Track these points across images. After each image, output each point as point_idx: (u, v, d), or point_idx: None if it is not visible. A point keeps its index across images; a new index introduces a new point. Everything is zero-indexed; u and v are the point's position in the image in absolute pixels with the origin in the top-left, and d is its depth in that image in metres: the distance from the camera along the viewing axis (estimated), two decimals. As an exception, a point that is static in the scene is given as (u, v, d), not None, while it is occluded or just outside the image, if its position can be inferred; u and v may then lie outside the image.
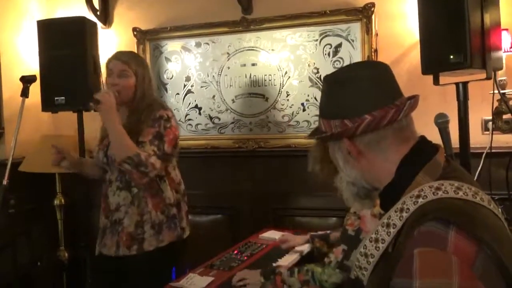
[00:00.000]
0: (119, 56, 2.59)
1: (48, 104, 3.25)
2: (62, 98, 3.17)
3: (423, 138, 1.20)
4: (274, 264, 2.46)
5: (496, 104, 2.58)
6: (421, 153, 1.15)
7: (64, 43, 3.26)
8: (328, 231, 2.59)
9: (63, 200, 3.64)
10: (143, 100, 2.54)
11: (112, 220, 2.53)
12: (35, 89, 2.65)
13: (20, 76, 2.55)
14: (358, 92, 1.16)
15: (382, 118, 1.12)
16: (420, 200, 1.04)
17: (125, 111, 2.54)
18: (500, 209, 1.13)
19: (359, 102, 1.15)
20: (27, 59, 3.99)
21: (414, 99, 1.19)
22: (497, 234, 1.01)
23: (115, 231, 2.52)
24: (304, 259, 2.62)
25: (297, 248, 2.73)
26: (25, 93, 2.45)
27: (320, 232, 2.64)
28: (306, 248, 2.71)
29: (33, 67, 3.80)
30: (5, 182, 2.20)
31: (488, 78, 2.14)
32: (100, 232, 2.60)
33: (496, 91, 2.39)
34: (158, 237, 2.51)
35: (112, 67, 2.54)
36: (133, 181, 2.43)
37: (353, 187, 1.23)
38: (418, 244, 0.97)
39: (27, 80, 2.49)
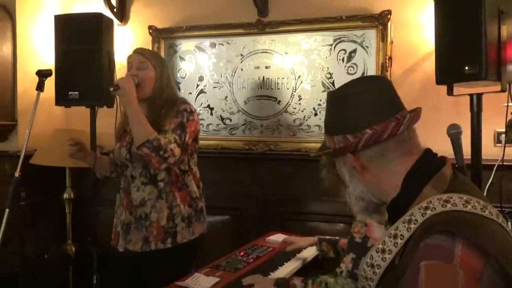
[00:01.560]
0: (139, 51, 2.66)
1: (61, 99, 3.27)
2: (76, 93, 3.19)
3: (428, 151, 1.20)
4: (275, 271, 2.46)
5: (510, 116, 2.58)
6: (427, 165, 1.16)
7: (80, 38, 3.28)
8: (337, 237, 2.58)
9: (72, 194, 3.67)
10: (161, 96, 2.58)
11: (137, 216, 2.55)
12: (49, 83, 2.67)
13: (34, 70, 2.57)
14: (359, 107, 1.18)
15: (382, 131, 1.13)
16: (429, 212, 1.04)
17: (145, 107, 2.57)
18: (509, 223, 1.13)
19: (359, 117, 1.17)
20: (43, 52, 4.03)
21: (415, 111, 1.19)
22: (504, 248, 1.01)
23: (141, 226, 2.54)
24: (307, 266, 2.63)
25: (301, 255, 2.72)
26: (40, 87, 2.47)
27: (328, 237, 2.63)
28: (310, 255, 2.71)
29: (48, 61, 3.84)
30: (17, 174, 2.22)
31: (503, 90, 2.13)
32: (123, 228, 2.59)
33: (510, 104, 2.38)
34: (189, 230, 2.58)
35: (132, 60, 2.60)
36: (152, 166, 2.45)
37: (362, 202, 1.24)
38: (424, 257, 0.97)
39: (43, 74, 2.51)
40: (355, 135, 1.16)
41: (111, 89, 2.43)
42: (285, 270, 2.54)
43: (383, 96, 1.19)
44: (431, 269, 0.95)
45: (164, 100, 2.58)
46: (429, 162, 1.17)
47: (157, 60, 2.65)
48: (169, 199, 2.54)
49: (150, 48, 3.88)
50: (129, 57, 2.63)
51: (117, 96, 2.57)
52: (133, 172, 2.58)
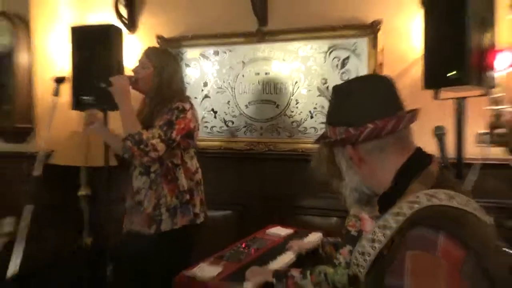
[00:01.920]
0: (146, 50, 2.74)
1: (77, 103, 3.29)
2: (90, 97, 3.21)
3: (419, 149, 1.21)
4: (271, 263, 2.46)
5: (491, 119, 2.59)
6: (417, 163, 1.16)
7: (93, 47, 3.31)
8: (339, 239, 2.57)
9: (88, 191, 3.68)
10: (160, 93, 2.61)
11: (136, 201, 2.63)
12: (64, 89, 2.69)
13: (52, 77, 2.59)
14: (363, 103, 1.17)
15: (383, 127, 1.13)
16: (416, 206, 1.05)
17: (146, 102, 2.63)
18: (490, 217, 1.14)
19: (362, 112, 1.16)
20: (58, 60, 4.04)
21: (414, 112, 1.20)
22: (484, 241, 1.02)
23: (138, 211, 2.62)
24: (301, 258, 2.63)
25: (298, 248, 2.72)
26: (56, 93, 2.49)
27: (330, 239, 2.59)
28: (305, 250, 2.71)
29: (63, 68, 3.85)
30: (37, 173, 2.23)
31: (484, 94, 2.15)
32: (128, 211, 2.69)
33: (491, 107, 2.40)
34: (173, 219, 2.59)
35: (139, 58, 2.70)
36: (135, 158, 2.48)
37: (356, 193, 1.24)
38: (410, 247, 0.98)
39: (59, 80, 2.54)
40: (357, 128, 1.16)
41: (103, 85, 2.51)
42: (283, 260, 2.54)
43: (386, 94, 1.19)
44: (416, 258, 0.96)
45: (162, 97, 2.59)
46: (418, 160, 1.17)
47: (159, 59, 2.66)
48: (158, 190, 2.58)
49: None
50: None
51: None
52: (135, 162, 2.63)
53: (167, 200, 2.58)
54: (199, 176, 2.76)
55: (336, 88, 1.26)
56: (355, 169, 1.21)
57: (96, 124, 2.64)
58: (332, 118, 1.24)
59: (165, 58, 2.71)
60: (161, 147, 2.45)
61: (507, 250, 2.24)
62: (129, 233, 2.67)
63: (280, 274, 2.16)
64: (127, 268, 2.71)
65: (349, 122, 1.18)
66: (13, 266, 2.03)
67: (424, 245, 0.97)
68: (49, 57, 4.03)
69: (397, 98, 1.21)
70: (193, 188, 2.69)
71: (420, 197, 1.06)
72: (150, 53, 2.70)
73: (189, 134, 2.64)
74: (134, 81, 2.55)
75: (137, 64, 2.69)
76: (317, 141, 1.31)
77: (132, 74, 2.67)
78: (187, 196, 2.64)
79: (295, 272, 2.12)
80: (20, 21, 3.87)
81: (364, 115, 1.16)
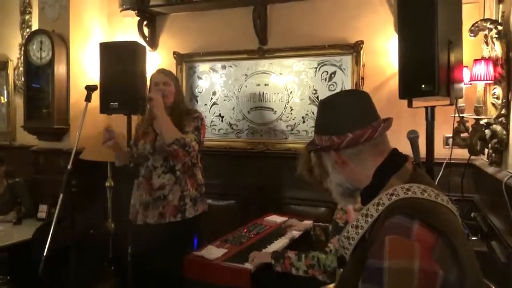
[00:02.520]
0: (164, 71, 2.75)
1: (105, 108, 3.26)
2: (116, 103, 3.19)
3: (395, 150, 1.19)
4: (268, 246, 2.44)
5: (456, 125, 2.57)
6: (393, 162, 1.15)
7: (120, 61, 3.27)
8: (328, 224, 2.55)
9: (112, 183, 3.66)
10: (179, 106, 2.67)
11: (156, 197, 2.58)
12: (95, 95, 2.66)
13: (84, 85, 2.56)
14: (344, 115, 1.17)
15: (360, 136, 1.13)
16: (394, 197, 1.04)
17: (168, 113, 2.59)
18: (456, 208, 1.13)
19: (343, 123, 1.16)
20: (90, 72, 4.03)
21: (388, 121, 1.19)
22: (453, 227, 1.01)
23: (158, 205, 2.58)
24: (294, 243, 2.61)
25: (291, 233, 2.70)
26: (88, 99, 2.46)
27: (321, 224, 2.59)
28: (297, 234, 2.69)
29: (94, 78, 3.84)
30: (69, 167, 2.21)
31: (451, 104, 2.11)
32: (142, 206, 2.62)
33: (456, 115, 2.37)
34: (194, 207, 2.62)
35: (158, 79, 2.67)
36: (178, 159, 2.51)
37: (340, 188, 1.23)
38: (388, 232, 0.97)
39: (90, 88, 2.50)
40: (339, 136, 1.16)
41: (146, 101, 2.54)
42: (279, 243, 2.53)
43: (363, 107, 1.19)
44: (393, 242, 0.95)
45: (181, 109, 2.65)
46: (395, 159, 1.16)
47: (176, 80, 2.76)
48: (182, 184, 2.59)
49: (175, 70, 3.88)
50: (155, 77, 2.69)
51: (147, 105, 2.62)
52: (154, 163, 2.61)
53: (190, 192, 2.60)
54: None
55: (322, 101, 1.26)
56: (339, 169, 1.21)
57: (111, 142, 2.62)
58: (319, 128, 1.24)
59: (176, 77, 2.80)
60: (197, 147, 2.53)
61: (471, 238, 2.23)
62: (144, 225, 2.61)
63: (278, 255, 2.15)
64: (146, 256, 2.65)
65: (333, 131, 1.18)
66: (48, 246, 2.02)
67: (400, 230, 0.96)
68: (83, 69, 4.02)
69: (373, 110, 1.21)
70: (204, 182, 2.74)
71: (398, 190, 1.05)
72: (167, 73, 2.73)
73: (204, 137, 2.70)
74: (162, 96, 2.55)
75: (158, 81, 2.65)
76: (307, 147, 1.33)
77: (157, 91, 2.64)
78: (203, 189, 2.71)
79: (292, 254, 2.11)
80: (59, 39, 3.87)
81: (345, 125, 1.16)
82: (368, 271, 0.97)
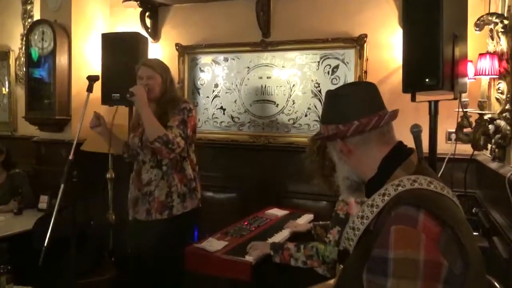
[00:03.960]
0: (147, 63, 2.60)
1: (106, 99, 3.26)
2: (117, 95, 3.18)
3: (400, 143, 1.19)
4: (269, 239, 2.44)
5: (459, 119, 2.55)
6: (399, 154, 1.15)
7: (122, 52, 3.27)
8: (328, 222, 2.54)
9: (113, 174, 3.66)
10: (166, 95, 2.54)
11: (144, 192, 2.53)
12: (96, 87, 2.65)
13: (85, 76, 2.55)
14: (350, 104, 1.17)
15: (366, 124, 1.13)
16: (400, 188, 1.04)
17: (153, 106, 2.53)
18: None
19: (349, 111, 1.16)
20: (92, 62, 4.02)
21: (394, 111, 1.20)
22: (457, 219, 1.01)
23: (145, 201, 2.53)
24: (295, 235, 2.60)
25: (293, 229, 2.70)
26: (90, 89, 2.44)
27: (321, 222, 2.57)
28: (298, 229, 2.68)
29: (96, 69, 3.82)
30: (71, 157, 2.21)
31: (455, 98, 2.10)
32: (132, 202, 2.59)
33: (460, 109, 2.36)
34: (183, 204, 2.53)
35: (141, 73, 2.54)
36: (162, 156, 2.44)
37: (348, 181, 1.23)
38: (394, 222, 0.97)
39: (92, 79, 2.48)
40: (345, 125, 1.16)
41: (128, 95, 2.40)
42: (279, 236, 2.53)
43: (369, 97, 1.19)
44: (399, 232, 0.95)
45: (168, 99, 2.54)
46: (400, 151, 1.16)
47: (161, 68, 2.58)
48: (169, 180, 2.51)
49: (177, 62, 3.87)
50: (139, 70, 2.55)
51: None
52: (144, 157, 2.56)
53: (177, 188, 2.52)
54: (197, 167, 2.70)
55: (328, 92, 1.26)
56: (345, 159, 1.20)
57: (100, 128, 2.55)
58: (325, 117, 1.24)
59: (164, 67, 2.62)
60: (182, 143, 2.42)
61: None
62: (135, 221, 2.59)
63: (277, 246, 2.14)
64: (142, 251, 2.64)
65: (339, 120, 1.18)
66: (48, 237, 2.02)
67: (406, 220, 0.96)
68: (85, 60, 4.00)
69: (379, 99, 1.21)
70: (196, 176, 2.64)
71: (404, 181, 1.05)
72: (152, 64, 2.57)
73: (194, 130, 2.61)
74: (147, 90, 2.47)
75: (142, 75, 2.53)
76: (314, 136, 1.34)
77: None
78: (193, 184, 2.60)
79: (291, 245, 2.11)
80: (61, 29, 3.84)
81: (351, 114, 1.16)
82: (373, 261, 0.96)
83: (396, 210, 0.99)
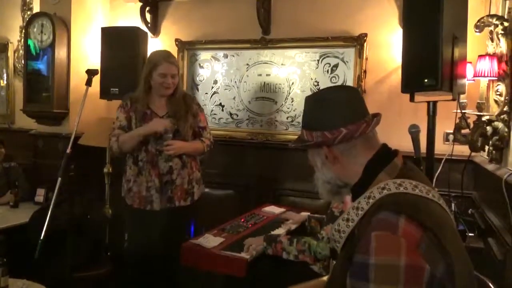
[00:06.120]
0: (173, 60, 2.61)
1: (105, 93, 3.26)
2: (116, 89, 3.18)
3: (384, 145, 1.19)
4: (272, 233, 2.45)
5: (457, 120, 2.56)
6: (382, 157, 1.14)
7: (121, 46, 3.27)
8: (324, 216, 2.56)
9: (110, 169, 3.65)
10: (177, 91, 2.65)
11: (164, 181, 2.56)
12: (95, 81, 2.64)
13: (85, 70, 2.55)
14: (335, 110, 1.15)
15: (355, 131, 1.12)
16: (385, 192, 1.04)
17: (164, 102, 2.58)
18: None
19: (336, 118, 1.14)
20: (91, 56, 4.01)
21: (378, 117, 1.18)
22: (440, 222, 1.01)
23: (166, 189, 2.57)
24: (290, 233, 2.61)
25: (288, 223, 2.71)
26: (89, 83, 2.45)
27: (316, 215, 2.60)
28: (293, 226, 2.70)
29: (95, 63, 3.81)
30: (68, 151, 2.21)
31: (453, 99, 2.11)
32: (148, 191, 2.55)
33: (458, 111, 2.37)
34: (200, 188, 2.72)
35: (167, 70, 2.53)
36: (201, 155, 2.73)
37: (328, 185, 1.22)
38: (375, 228, 0.97)
39: (91, 73, 2.49)
40: (332, 132, 1.14)
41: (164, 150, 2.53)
42: (276, 233, 2.53)
43: (354, 102, 1.18)
44: (380, 238, 0.95)
45: (179, 93, 2.65)
46: (384, 155, 1.15)
47: (177, 63, 2.69)
48: (189, 167, 2.63)
49: (176, 57, 3.85)
50: (159, 65, 2.51)
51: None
52: (157, 147, 2.56)
53: (195, 175, 2.68)
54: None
55: (309, 97, 1.23)
56: (329, 165, 1.19)
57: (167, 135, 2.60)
58: (308, 123, 1.21)
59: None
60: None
61: (468, 234, 2.23)
62: (150, 211, 2.59)
63: (271, 239, 2.17)
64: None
65: (325, 127, 1.15)
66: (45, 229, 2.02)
67: (387, 226, 0.96)
68: (84, 53, 3.99)
69: (363, 105, 1.19)
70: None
71: (389, 185, 1.05)
72: (175, 61, 2.62)
73: None
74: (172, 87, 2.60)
75: (166, 72, 2.52)
76: (295, 143, 1.26)
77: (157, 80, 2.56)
78: (201, 169, 2.78)
79: (284, 239, 2.13)
80: (60, 22, 3.83)
81: (338, 120, 1.14)
82: (355, 267, 0.97)
83: (377, 216, 0.99)
